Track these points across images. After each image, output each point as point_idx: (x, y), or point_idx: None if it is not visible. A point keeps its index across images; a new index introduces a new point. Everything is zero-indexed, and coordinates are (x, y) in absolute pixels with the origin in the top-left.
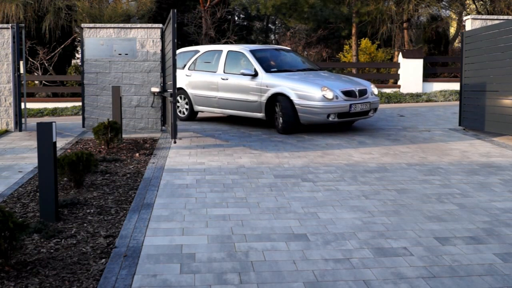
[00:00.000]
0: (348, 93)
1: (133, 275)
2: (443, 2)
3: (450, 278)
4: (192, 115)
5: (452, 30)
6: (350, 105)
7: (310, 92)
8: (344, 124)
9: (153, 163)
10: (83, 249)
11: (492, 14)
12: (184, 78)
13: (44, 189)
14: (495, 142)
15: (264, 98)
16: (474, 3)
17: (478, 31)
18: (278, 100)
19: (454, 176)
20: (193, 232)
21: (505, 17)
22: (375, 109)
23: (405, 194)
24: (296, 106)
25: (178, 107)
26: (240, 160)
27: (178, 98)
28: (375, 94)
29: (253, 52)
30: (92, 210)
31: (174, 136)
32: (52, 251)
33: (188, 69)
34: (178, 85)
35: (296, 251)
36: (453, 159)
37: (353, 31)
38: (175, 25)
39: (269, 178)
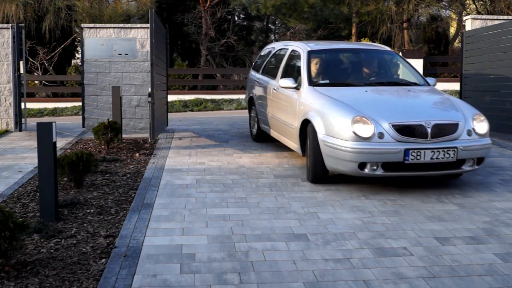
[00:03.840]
0: (406, 130)
1: (133, 275)
2: (443, 2)
3: (450, 278)
4: (261, 135)
5: (452, 30)
6: (406, 150)
7: (336, 122)
8: (436, 178)
9: (153, 163)
10: (83, 249)
11: (492, 14)
12: (253, 85)
13: (44, 189)
14: (495, 142)
15: (297, 124)
16: (474, 3)
17: (478, 31)
18: (309, 129)
19: None
20: (193, 232)
21: (505, 17)
22: (479, 160)
23: (405, 194)
24: (319, 143)
25: (251, 117)
26: (240, 160)
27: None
28: (478, 134)
29: (310, 53)
30: (92, 210)
31: (152, 136)
32: (52, 251)
33: (261, 73)
34: (249, 94)
35: (296, 251)
36: None
37: (353, 31)
38: (153, 24)
39: (269, 178)
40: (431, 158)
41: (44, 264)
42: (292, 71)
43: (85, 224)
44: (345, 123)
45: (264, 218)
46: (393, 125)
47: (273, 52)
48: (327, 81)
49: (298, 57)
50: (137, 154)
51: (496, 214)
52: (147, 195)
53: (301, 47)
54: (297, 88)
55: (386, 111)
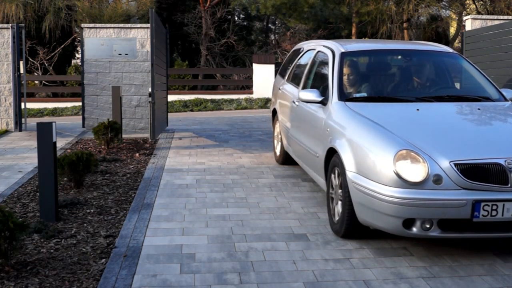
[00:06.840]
0: (476, 172)
1: (133, 275)
2: (443, 2)
3: (450, 278)
4: (285, 157)
5: (452, 30)
6: (476, 203)
7: (372, 157)
8: None
9: (153, 163)
10: (83, 249)
11: (492, 14)
12: (277, 94)
13: (44, 189)
14: None
15: (322, 152)
16: (474, 3)
17: (479, 31)
18: (335, 162)
19: None
20: (193, 232)
21: (505, 17)
22: None
23: None
24: (348, 184)
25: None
26: (240, 160)
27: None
28: None
29: (344, 55)
30: (92, 210)
31: (152, 136)
32: (52, 251)
33: (286, 79)
34: (273, 106)
35: (296, 251)
36: None
37: (353, 31)
38: (153, 24)
39: (269, 178)
40: None
41: (44, 264)
42: (319, 80)
43: (85, 224)
44: (384, 159)
45: (264, 218)
46: (456, 164)
47: (301, 53)
48: (364, 95)
49: (327, 60)
50: (137, 154)
51: None
52: (147, 195)
53: (333, 48)
54: (323, 103)
55: (446, 142)
